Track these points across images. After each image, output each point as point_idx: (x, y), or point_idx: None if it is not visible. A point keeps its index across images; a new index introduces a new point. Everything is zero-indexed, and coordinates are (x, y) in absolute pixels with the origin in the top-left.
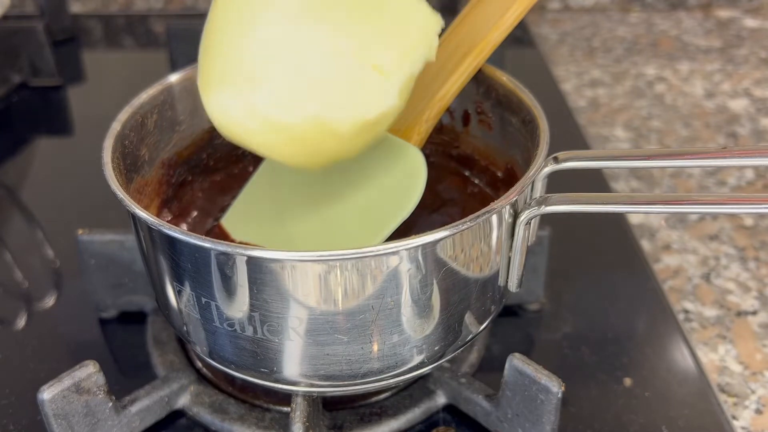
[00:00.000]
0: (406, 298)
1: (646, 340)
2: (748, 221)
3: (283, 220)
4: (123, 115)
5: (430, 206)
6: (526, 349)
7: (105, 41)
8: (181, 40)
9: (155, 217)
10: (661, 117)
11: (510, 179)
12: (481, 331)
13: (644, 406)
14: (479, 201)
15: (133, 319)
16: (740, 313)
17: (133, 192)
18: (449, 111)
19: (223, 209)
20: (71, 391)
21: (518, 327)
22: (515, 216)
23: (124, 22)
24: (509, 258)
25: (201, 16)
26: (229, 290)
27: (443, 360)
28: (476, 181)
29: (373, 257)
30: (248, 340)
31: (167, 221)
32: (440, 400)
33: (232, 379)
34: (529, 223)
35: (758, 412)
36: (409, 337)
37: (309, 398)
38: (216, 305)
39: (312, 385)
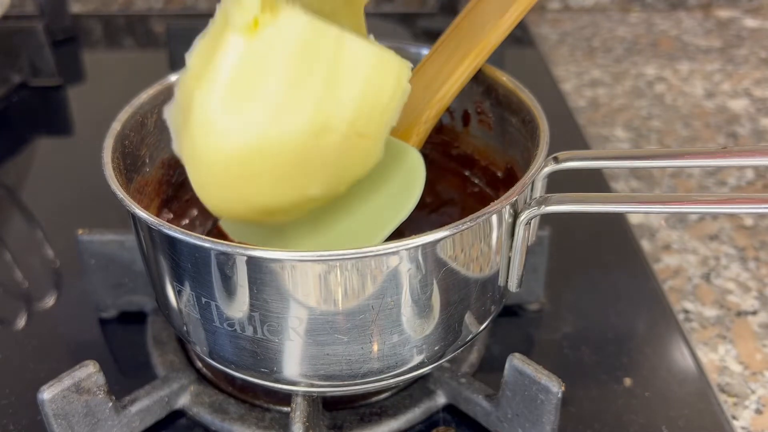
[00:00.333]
0: (406, 298)
1: (646, 340)
2: (748, 221)
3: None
4: (123, 115)
5: (430, 206)
6: (526, 349)
7: (105, 41)
8: (181, 40)
9: (155, 217)
10: (661, 117)
11: (510, 179)
12: (481, 331)
13: (644, 406)
14: (479, 201)
15: (133, 319)
16: (740, 313)
17: (133, 192)
18: (449, 111)
19: None
20: (71, 391)
21: (518, 327)
22: (515, 216)
23: (124, 22)
24: (509, 258)
25: (201, 16)
26: (229, 290)
27: (443, 360)
28: (476, 181)
29: (373, 257)
30: (248, 340)
31: (167, 221)
32: (440, 400)
33: (232, 379)
34: (529, 223)
35: (758, 412)
36: (409, 337)
37: (309, 398)
38: (216, 305)
39: (312, 385)
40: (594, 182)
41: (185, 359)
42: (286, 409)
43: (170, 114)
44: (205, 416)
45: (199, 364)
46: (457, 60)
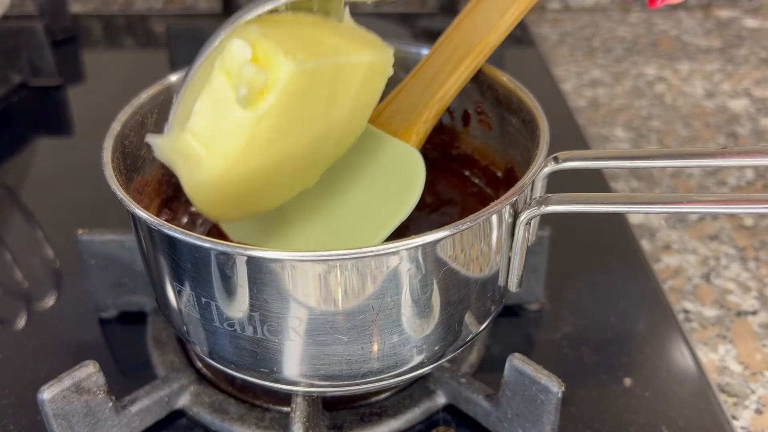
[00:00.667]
0: (406, 298)
1: (646, 340)
2: (748, 221)
3: (282, 221)
4: (123, 115)
5: (430, 206)
6: (526, 349)
7: (105, 41)
8: (181, 40)
9: (155, 217)
10: (661, 117)
11: (510, 179)
12: (481, 331)
13: (644, 406)
14: (479, 201)
15: (133, 319)
16: (740, 313)
17: (133, 192)
18: (449, 111)
19: None
20: (71, 391)
21: (518, 327)
22: (515, 216)
23: (124, 22)
24: (509, 258)
25: (201, 16)
26: (229, 290)
27: (443, 360)
28: (476, 181)
29: (373, 257)
30: (248, 340)
31: (167, 221)
32: (440, 400)
33: (232, 379)
34: (529, 223)
35: (758, 412)
36: (409, 337)
37: (309, 398)
38: (216, 305)
39: (312, 385)
40: (594, 182)
41: (185, 359)
42: (286, 409)
43: (163, 150)
44: (205, 416)
45: (199, 364)
46: (457, 60)
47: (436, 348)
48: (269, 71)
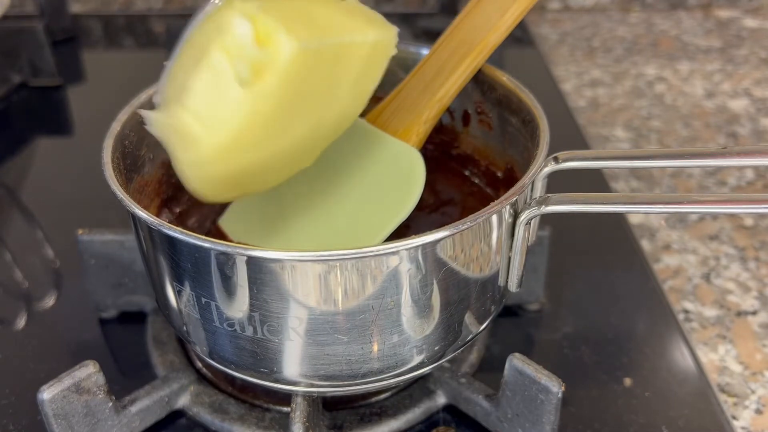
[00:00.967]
0: (406, 298)
1: (646, 340)
2: (748, 221)
3: (281, 221)
4: (123, 115)
5: (430, 206)
6: (526, 349)
7: (105, 41)
8: None
9: (155, 217)
10: (661, 117)
11: (510, 179)
12: (481, 331)
13: (644, 406)
14: (479, 201)
15: (133, 319)
16: (740, 313)
17: (133, 192)
18: (449, 111)
19: (223, 209)
20: (71, 391)
21: (518, 327)
22: (515, 216)
23: (124, 22)
24: (509, 258)
25: None
26: (229, 290)
27: (443, 360)
28: (476, 181)
29: (373, 257)
30: (248, 340)
31: (167, 221)
32: (440, 400)
33: (232, 379)
34: (529, 223)
35: (758, 412)
36: (409, 337)
37: (309, 398)
38: (216, 305)
39: (312, 385)
40: (594, 182)
41: (185, 359)
42: (286, 409)
43: (158, 125)
44: (205, 416)
45: (199, 364)
46: (457, 60)
47: (436, 348)
48: (270, 50)
